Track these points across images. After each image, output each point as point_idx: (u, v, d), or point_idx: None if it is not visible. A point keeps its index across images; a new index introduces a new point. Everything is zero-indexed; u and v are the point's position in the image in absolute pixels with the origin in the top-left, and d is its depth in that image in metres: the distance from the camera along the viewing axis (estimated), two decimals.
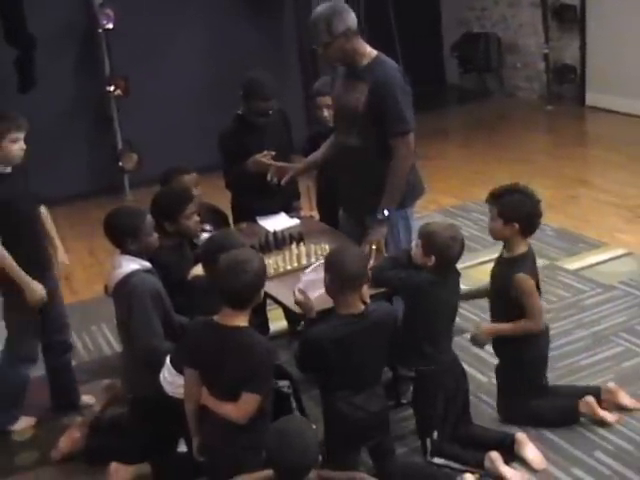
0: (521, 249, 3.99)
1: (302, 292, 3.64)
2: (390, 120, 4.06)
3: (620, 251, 5.96)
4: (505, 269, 3.99)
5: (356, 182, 4.25)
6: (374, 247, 4.11)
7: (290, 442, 2.87)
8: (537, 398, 4.03)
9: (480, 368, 4.53)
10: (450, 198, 7.34)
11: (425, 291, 3.73)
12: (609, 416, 3.98)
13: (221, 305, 3.30)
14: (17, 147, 4.02)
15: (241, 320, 3.28)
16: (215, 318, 3.31)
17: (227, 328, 3.27)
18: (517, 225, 3.91)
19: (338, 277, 3.47)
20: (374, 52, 4.19)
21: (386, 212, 4.13)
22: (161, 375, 3.62)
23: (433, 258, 3.70)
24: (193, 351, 3.36)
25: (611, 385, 4.13)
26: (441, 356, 3.79)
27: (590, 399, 4.00)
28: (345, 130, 4.26)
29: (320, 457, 2.97)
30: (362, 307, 3.54)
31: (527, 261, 4.00)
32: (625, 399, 4.09)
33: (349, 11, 4.11)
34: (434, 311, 3.77)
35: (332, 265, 3.51)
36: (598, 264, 5.81)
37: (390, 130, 4.09)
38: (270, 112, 4.72)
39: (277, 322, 4.92)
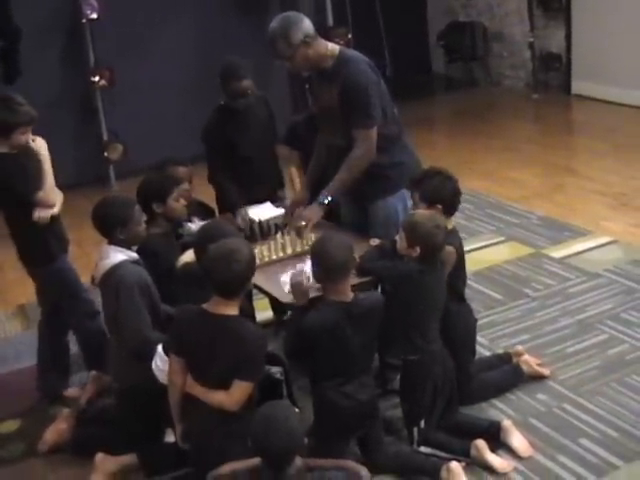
0: (448, 227, 4.02)
1: (308, 278, 3.62)
2: (356, 113, 4.05)
3: (605, 239, 5.98)
4: None
5: None
6: (303, 223, 4.13)
7: (276, 427, 2.87)
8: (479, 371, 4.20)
9: None
10: None
11: (415, 280, 3.72)
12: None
13: (211, 294, 3.30)
14: (24, 138, 4.22)
15: (232, 309, 3.29)
16: (205, 306, 3.31)
17: (218, 316, 3.27)
18: (440, 206, 3.94)
19: (324, 266, 3.48)
20: (336, 49, 4.18)
21: (329, 197, 4.13)
22: (153, 364, 3.61)
23: (418, 248, 3.70)
24: (179, 339, 3.36)
25: (518, 347, 4.47)
26: (429, 345, 3.78)
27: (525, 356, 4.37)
28: (331, 131, 4.27)
29: (306, 440, 2.97)
30: (352, 295, 3.54)
31: (455, 236, 4.03)
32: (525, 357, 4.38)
33: (303, 18, 4.10)
34: (423, 300, 3.77)
35: (317, 255, 3.52)
36: (583, 252, 5.82)
37: (354, 122, 4.08)
38: (248, 92, 4.70)
39: (263, 312, 4.91)
